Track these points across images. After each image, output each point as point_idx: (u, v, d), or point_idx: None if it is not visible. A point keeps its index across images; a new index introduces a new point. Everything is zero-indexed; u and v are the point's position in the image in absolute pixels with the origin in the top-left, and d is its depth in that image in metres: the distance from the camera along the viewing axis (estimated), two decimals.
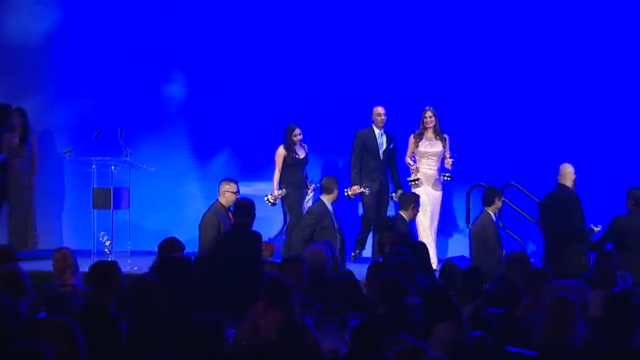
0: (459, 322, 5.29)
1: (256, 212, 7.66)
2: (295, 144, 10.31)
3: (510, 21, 11.05)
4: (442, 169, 10.12)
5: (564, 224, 8.75)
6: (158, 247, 7.31)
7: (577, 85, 10.88)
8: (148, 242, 9.53)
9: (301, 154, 10.40)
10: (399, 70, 11.34)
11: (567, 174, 8.98)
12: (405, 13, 11.35)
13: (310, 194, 10.28)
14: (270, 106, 11.62)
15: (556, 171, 9.22)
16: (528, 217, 9.40)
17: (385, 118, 10.32)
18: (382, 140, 10.34)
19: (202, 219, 8.97)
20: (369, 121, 10.42)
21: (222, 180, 9.33)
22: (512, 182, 9.78)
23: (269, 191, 10.24)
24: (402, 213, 9.15)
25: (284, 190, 10.19)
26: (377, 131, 10.36)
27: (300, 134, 10.36)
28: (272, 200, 10.18)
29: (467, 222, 9.71)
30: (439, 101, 10.50)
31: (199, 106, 11.86)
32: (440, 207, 10.10)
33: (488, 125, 10.94)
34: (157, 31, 11.78)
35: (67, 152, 10.53)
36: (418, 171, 10.07)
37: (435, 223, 10.04)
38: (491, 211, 8.77)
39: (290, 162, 10.29)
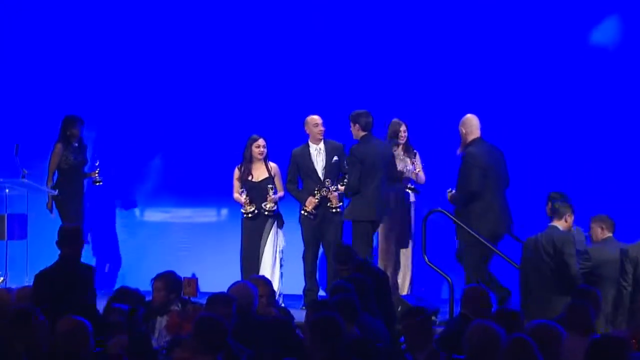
0: None
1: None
2: (253, 159, 9.75)
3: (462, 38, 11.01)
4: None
5: None
6: None
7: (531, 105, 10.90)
8: None
9: (258, 175, 9.79)
10: (339, 76, 11.16)
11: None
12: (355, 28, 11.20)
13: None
14: (202, 119, 11.33)
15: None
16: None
17: (324, 129, 9.80)
18: (321, 157, 9.77)
19: None
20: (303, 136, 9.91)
21: None
22: (438, 208, 9.36)
23: (195, 217, 10.04)
24: (556, 224, 8.44)
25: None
26: (313, 147, 9.77)
27: (263, 146, 9.76)
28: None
29: (423, 252, 9.29)
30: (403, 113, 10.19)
31: (111, 118, 11.50)
32: (413, 230, 9.69)
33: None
34: (56, 33, 11.52)
35: None
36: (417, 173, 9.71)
37: (406, 250, 9.65)
38: None
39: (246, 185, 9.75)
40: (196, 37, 11.47)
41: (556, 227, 8.36)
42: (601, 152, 10.71)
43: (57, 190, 9.87)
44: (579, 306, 6.56)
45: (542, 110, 10.90)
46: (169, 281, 7.14)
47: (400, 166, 9.77)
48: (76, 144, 10.33)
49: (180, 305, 7.05)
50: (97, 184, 10.34)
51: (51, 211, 10.23)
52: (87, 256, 10.41)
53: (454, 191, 9.28)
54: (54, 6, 11.66)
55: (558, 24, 10.88)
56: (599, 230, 8.58)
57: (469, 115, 9.24)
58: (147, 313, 6.82)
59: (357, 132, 9.47)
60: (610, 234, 8.56)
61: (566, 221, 8.41)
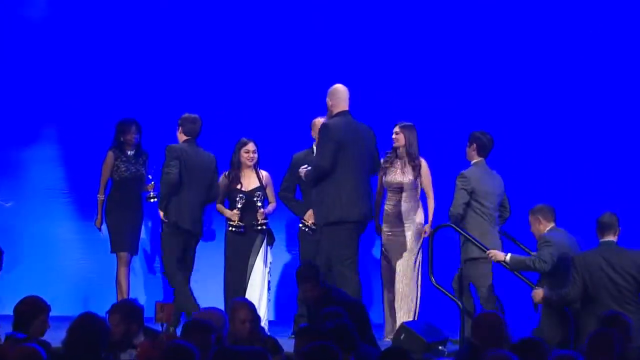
0: None
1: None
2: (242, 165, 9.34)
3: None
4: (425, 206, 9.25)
5: None
6: (14, 311, 6.66)
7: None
8: (2, 305, 9.38)
9: (248, 184, 9.37)
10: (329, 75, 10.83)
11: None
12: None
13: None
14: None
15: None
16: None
17: None
18: None
19: None
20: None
21: None
22: (447, 223, 8.94)
23: None
24: (612, 239, 8.08)
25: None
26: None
27: (254, 152, 9.40)
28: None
29: (430, 272, 8.86)
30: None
31: (73, 119, 11.23)
32: (418, 251, 9.17)
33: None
34: (26, 38, 11.39)
35: None
36: None
37: (413, 273, 9.11)
38: None
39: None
40: (186, 38, 11.45)
41: (614, 242, 8.09)
42: (600, 153, 11.04)
43: (10, 203, 9.66)
44: (602, 334, 6.46)
45: (549, 113, 11.17)
46: (126, 312, 6.73)
47: (394, 176, 9.21)
48: (131, 152, 9.75)
49: (144, 337, 6.61)
50: (152, 200, 9.67)
51: (100, 229, 9.77)
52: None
53: (309, 167, 8.94)
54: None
55: (561, 25, 11.23)
56: (537, 223, 8.39)
57: (337, 86, 8.91)
58: (108, 346, 6.44)
59: (179, 136, 9.34)
60: (553, 224, 8.37)
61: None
